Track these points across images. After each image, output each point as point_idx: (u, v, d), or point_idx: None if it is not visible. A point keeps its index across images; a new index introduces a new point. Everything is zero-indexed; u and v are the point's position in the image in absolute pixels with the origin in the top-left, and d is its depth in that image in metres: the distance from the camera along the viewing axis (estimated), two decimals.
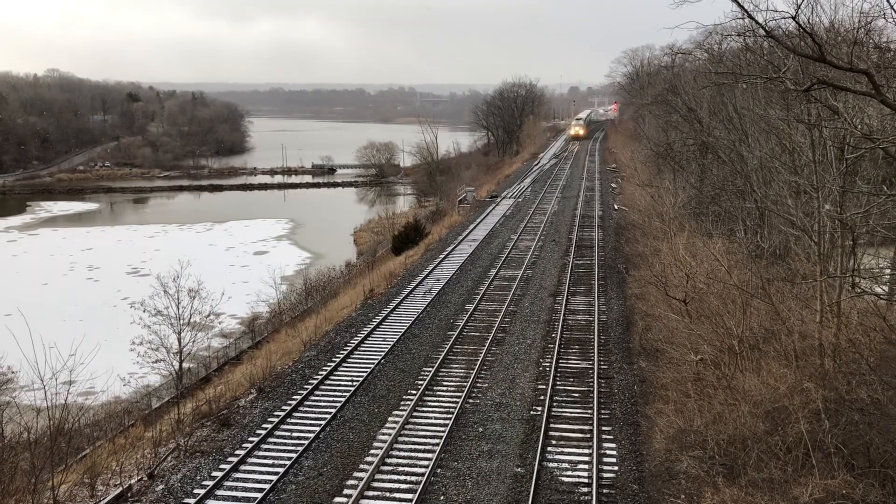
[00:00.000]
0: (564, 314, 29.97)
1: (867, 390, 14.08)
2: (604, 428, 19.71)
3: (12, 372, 32.31)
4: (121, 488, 17.02)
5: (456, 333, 27.64)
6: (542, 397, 21.67)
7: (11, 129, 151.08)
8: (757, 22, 12.77)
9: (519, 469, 17.68)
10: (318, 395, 22.29)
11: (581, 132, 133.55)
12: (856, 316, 17.17)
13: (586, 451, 18.45)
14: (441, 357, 25.03)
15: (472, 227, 51.44)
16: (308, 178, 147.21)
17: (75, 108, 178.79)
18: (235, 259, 72.99)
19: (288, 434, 19.69)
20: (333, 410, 20.96)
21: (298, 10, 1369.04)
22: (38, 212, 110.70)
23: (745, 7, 12.38)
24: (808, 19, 15.11)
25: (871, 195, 18.45)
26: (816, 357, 16.82)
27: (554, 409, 20.90)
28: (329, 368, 24.31)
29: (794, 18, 12.09)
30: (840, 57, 13.40)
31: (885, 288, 20.57)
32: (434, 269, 38.74)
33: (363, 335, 27.83)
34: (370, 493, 16.58)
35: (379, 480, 17.14)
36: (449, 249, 43.60)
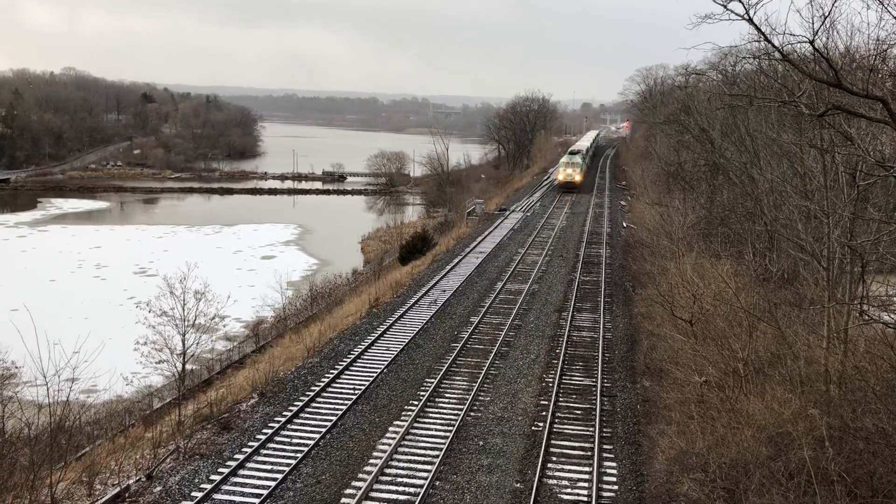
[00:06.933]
0: (569, 330, 29.88)
1: (872, 419, 13.96)
2: (605, 446, 19.59)
3: (16, 367, 32.38)
4: (119, 488, 16.98)
5: (460, 345, 27.57)
6: (544, 413, 21.58)
7: (26, 125, 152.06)
8: (774, 45, 12.77)
9: (518, 485, 17.58)
10: (319, 402, 22.24)
11: (576, 177, 79.02)
12: (863, 343, 17.05)
13: (587, 468, 18.33)
14: (444, 368, 24.96)
15: (479, 239, 51.41)
16: (318, 185, 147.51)
17: (90, 106, 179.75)
18: (242, 263, 73.15)
19: (288, 440, 19.64)
20: (334, 418, 20.91)
21: (303, 17, 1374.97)
22: (48, 208, 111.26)
23: (763, 30, 12.37)
24: (825, 44, 15.13)
25: (881, 223, 18.39)
26: (822, 383, 16.70)
27: (555, 426, 20.80)
28: (332, 376, 24.27)
29: (811, 43, 12.08)
30: (855, 83, 13.37)
31: (894, 316, 20.41)
32: (440, 279, 38.70)
33: (367, 343, 27.80)
34: None
35: (377, 490, 17.06)
36: (456, 261, 43.57)
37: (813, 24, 12.52)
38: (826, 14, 12.63)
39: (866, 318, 17.47)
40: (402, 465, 18.32)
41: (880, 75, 15.65)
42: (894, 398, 14.06)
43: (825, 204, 18.27)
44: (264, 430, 20.22)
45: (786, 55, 13.33)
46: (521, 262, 43.67)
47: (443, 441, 19.47)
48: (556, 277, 40.22)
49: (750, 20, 12.09)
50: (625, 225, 56.71)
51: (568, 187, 77.86)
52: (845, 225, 17.93)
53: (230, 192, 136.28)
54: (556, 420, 21.21)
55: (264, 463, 18.35)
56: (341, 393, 23.04)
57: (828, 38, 16.63)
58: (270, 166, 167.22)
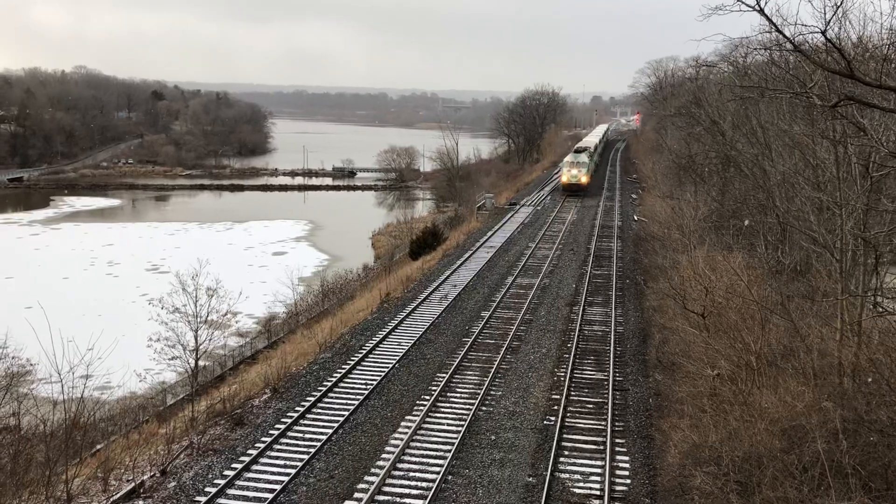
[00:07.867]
0: (581, 324, 29.83)
1: (887, 411, 13.88)
2: (617, 440, 19.57)
3: (31, 364, 32.66)
4: (133, 484, 17.11)
5: (471, 340, 27.57)
6: (555, 407, 21.56)
7: (38, 124, 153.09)
8: (785, 36, 12.68)
9: (531, 479, 17.59)
10: (331, 398, 22.31)
11: (582, 178, 70.53)
12: (877, 335, 16.94)
13: (599, 462, 18.32)
14: (455, 363, 24.98)
15: (490, 233, 51.37)
16: (328, 181, 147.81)
17: (101, 104, 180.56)
18: (254, 259, 73.39)
19: (301, 435, 19.71)
20: (346, 413, 20.97)
21: (311, 13, 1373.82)
22: (61, 206, 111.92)
23: (774, 21, 12.28)
24: (837, 34, 15.01)
25: (895, 214, 18.23)
26: (835, 376, 16.60)
27: (567, 420, 20.79)
28: (343, 371, 24.34)
29: (822, 33, 11.98)
30: (868, 73, 13.25)
31: None
32: (451, 274, 38.70)
33: (378, 339, 27.84)
34: (381, 498, 16.55)
35: (390, 485, 17.11)
36: (466, 255, 43.57)
37: (825, 14, 12.40)
38: (838, 4, 12.52)
39: (880, 310, 17.38)
40: (414, 459, 18.35)
41: (894, 65, 15.51)
42: None
43: (838, 195, 18.13)
44: (277, 426, 20.30)
45: (797, 46, 13.22)
46: (531, 256, 43.61)
47: (455, 436, 19.49)
48: (567, 271, 40.15)
49: (761, 11, 12.01)
50: (636, 218, 56.50)
51: (573, 189, 70.05)
52: (858, 216, 17.80)
53: (241, 188, 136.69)
54: (568, 414, 21.19)
55: (277, 458, 18.42)
56: (353, 388, 23.09)
57: (840, 29, 16.49)
58: (281, 163, 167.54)
